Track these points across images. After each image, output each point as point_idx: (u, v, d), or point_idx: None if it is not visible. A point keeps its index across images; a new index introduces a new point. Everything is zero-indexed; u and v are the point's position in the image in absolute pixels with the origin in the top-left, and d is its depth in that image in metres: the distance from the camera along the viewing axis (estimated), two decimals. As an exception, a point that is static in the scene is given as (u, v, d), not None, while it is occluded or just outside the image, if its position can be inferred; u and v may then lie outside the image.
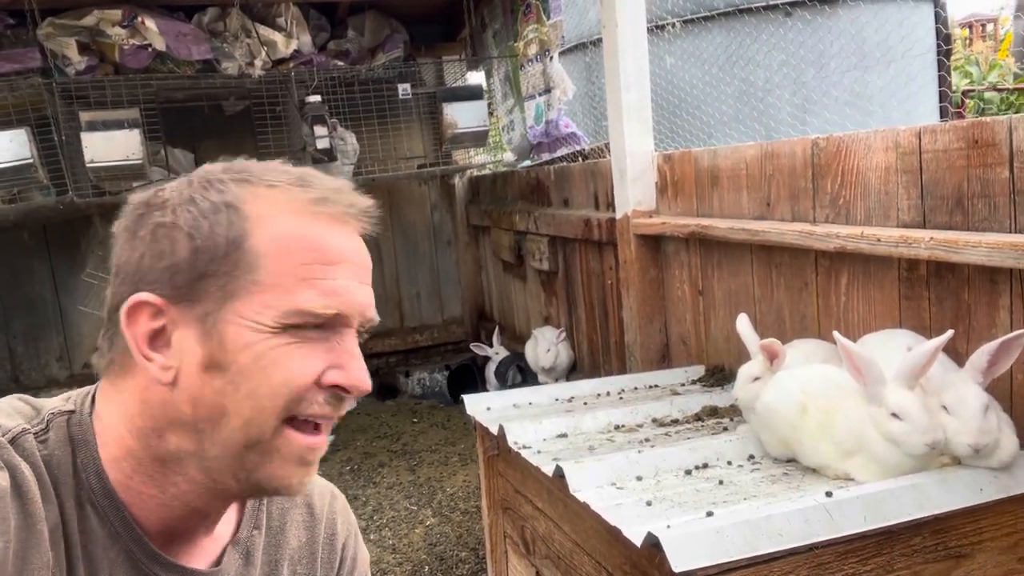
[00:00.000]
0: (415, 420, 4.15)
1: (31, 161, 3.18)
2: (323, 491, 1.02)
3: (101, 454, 0.77)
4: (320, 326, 0.77)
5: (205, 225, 0.75)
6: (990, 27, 10.18)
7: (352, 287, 0.78)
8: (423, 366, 4.83)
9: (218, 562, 0.86)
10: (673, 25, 3.51)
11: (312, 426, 0.78)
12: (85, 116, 3.26)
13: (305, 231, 0.77)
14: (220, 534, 0.88)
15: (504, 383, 3.99)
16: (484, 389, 4.33)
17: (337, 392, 0.78)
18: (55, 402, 0.80)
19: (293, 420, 0.77)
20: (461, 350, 5.04)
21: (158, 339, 0.75)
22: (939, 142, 1.61)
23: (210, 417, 0.75)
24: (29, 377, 4.45)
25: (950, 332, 1.38)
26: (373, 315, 0.82)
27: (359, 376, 0.78)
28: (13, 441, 0.73)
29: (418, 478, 3.36)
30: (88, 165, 3.26)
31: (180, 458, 0.77)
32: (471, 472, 3.32)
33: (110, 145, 3.29)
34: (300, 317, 0.75)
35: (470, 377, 4.55)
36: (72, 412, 0.79)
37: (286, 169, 0.82)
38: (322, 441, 0.80)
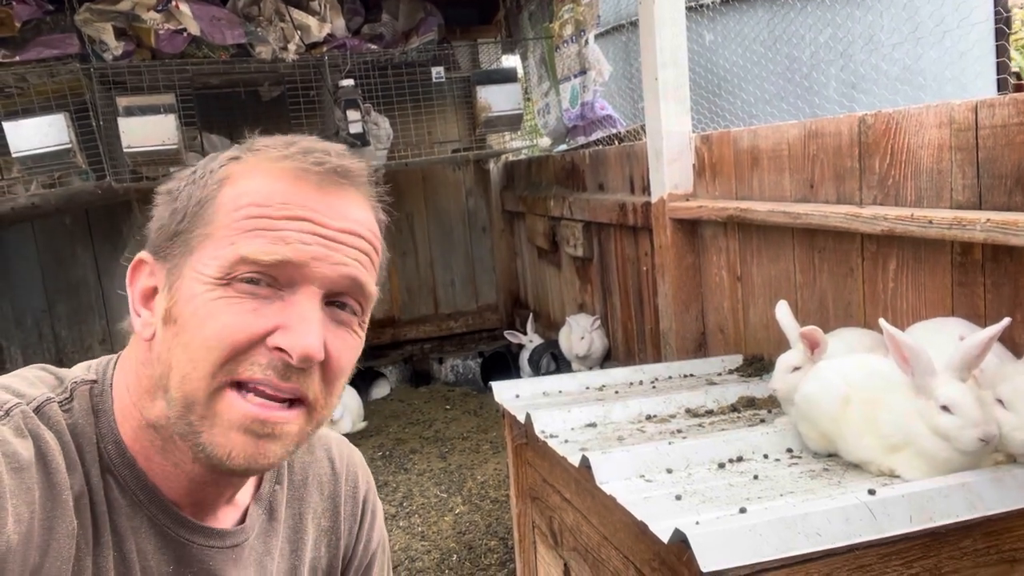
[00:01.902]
0: (448, 407, 4.12)
1: (70, 146, 3.22)
2: (340, 445, 1.02)
3: (119, 423, 0.77)
4: (272, 283, 0.72)
5: (188, 190, 0.77)
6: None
7: (310, 241, 0.73)
8: (457, 353, 4.81)
9: (242, 520, 0.85)
10: (712, 2, 3.38)
11: (262, 395, 0.72)
12: (122, 101, 3.29)
13: (262, 185, 0.75)
14: (243, 495, 0.87)
15: (538, 371, 3.94)
16: (517, 376, 4.29)
17: (282, 357, 0.71)
18: (77, 371, 0.81)
19: (242, 386, 0.72)
20: (495, 337, 5.00)
21: (151, 297, 0.77)
22: (997, 117, 1.49)
23: (163, 374, 0.73)
24: (73, 360, 4.44)
25: (1007, 320, 1.28)
26: (349, 273, 0.74)
27: (303, 341, 0.70)
28: (38, 410, 0.72)
29: (449, 465, 3.33)
30: (126, 150, 3.29)
31: (163, 424, 0.75)
32: (502, 460, 3.28)
33: (147, 130, 3.31)
34: (244, 266, 0.71)
35: (504, 364, 4.52)
36: (94, 382, 0.79)
37: (290, 139, 0.80)
38: (271, 414, 0.72)
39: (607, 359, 3.53)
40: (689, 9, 2.61)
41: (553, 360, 3.93)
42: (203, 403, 0.71)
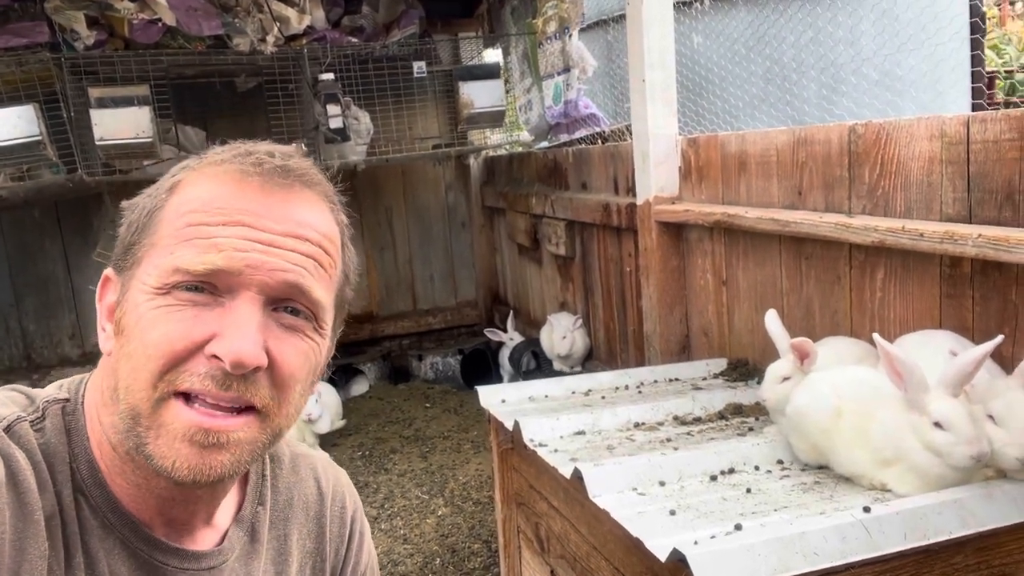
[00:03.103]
0: (428, 405, 4.10)
1: (40, 138, 3.12)
2: (326, 466, 1.00)
3: (91, 442, 0.76)
4: (212, 290, 0.71)
5: (142, 202, 0.77)
6: (1019, 6, 9.88)
7: (245, 247, 0.71)
8: (436, 350, 4.78)
9: (220, 543, 0.84)
10: (701, 2, 3.37)
11: (208, 405, 0.70)
12: (95, 92, 3.19)
13: (203, 191, 0.74)
14: (223, 518, 0.85)
15: (518, 369, 3.92)
16: (498, 374, 4.27)
17: (219, 364, 0.69)
18: (49, 391, 0.79)
19: (189, 396, 0.70)
20: (475, 333, 4.97)
21: (114, 312, 0.76)
22: (989, 132, 1.50)
23: (114, 386, 0.72)
24: (41, 356, 4.44)
25: (1000, 337, 1.29)
26: (287, 279, 0.72)
27: (234, 346, 0.69)
28: (8, 429, 0.72)
29: (430, 465, 3.31)
30: (98, 143, 3.19)
31: (118, 440, 0.74)
32: (484, 460, 3.27)
33: (120, 122, 3.22)
34: (178, 275, 0.70)
35: (483, 362, 4.49)
36: (66, 400, 0.78)
37: (242, 144, 0.79)
38: (215, 422, 0.70)
39: (588, 359, 3.52)
40: (675, 8, 2.59)
41: (534, 358, 3.92)
42: (148, 413, 0.70)
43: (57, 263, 4.39)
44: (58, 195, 4.03)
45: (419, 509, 2.92)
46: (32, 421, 0.74)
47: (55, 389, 0.79)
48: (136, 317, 0.71)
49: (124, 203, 0.79)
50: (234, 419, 0.71)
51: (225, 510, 0.85)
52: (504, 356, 4.12)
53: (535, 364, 3.87)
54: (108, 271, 0.78)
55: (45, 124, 3.17)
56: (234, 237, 0.71)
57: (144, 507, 0.77)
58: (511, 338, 4.09)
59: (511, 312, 4.35)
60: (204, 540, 0.82)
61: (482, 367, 4.43)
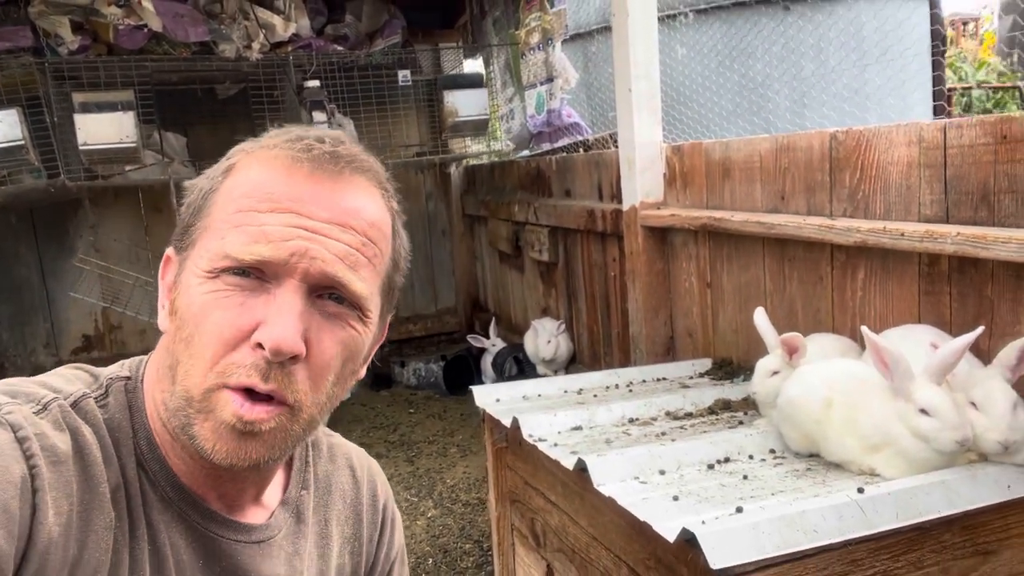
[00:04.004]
0: (411, 411, 4.12)
1: (22, 142, 3.10)
2: (359, 455, 1.03)
3: (149, 418, 0.78)
4: (260, 276, 0.72)
5: (201, 182, 0.79)
6: (971, 26, 10.30)
7: (293, 233, 0.72)
8: (418, 356, 4.80)
9: (270, 519, 0.86)
10: (685, 15, 3.48)
11: (249, 394, 0.72)
12: (78, 97, 3.18)
13: (255, 176, 0.75)
14: (271, 498, 0.88)
15: (501, 375, 3.97)
16: (480, 380, 4.31)
17: (263, 354, 0.71)
18: (112, 369, 0.82)
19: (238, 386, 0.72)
20: (455, 340, 5.01)
21: (172, 291, 0.78)
22: (965, 137, 1.60)
23: (171, 366, 0.74)
24: (15, 364, 4.36)
25: (980, 328, 1.37)
26: (326, 271, 0.73)
27: (275, 333, 0.70)
28: (75, 405, 0.74)
29: (417, 469, 3.33)
30: (81, 147, 3.19)
31: (168, 418, 0.76)
32: (471, 463, 3.30)
33: (104, 127, 3.22)
34: (227, 261, 0.72)
35: (466, 368, 4.53)
36: (128, 378, 0.80)
37: (297, 129, 0.81)
38: (252, 412, 0.71)
39: (572, 362, 3.58)
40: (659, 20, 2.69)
41: (516, 364, 3.96)
42: (200, 398, 0.72)
43: (32, 269, 4.33)
44: (35, 201, 3.99)
45: (409, 511, 2.94)
46: (96, 398, 0.76)
47: (117, 368, 0.82)
48: (188, 301, 0.73)
49: (186, 183, 0.81)
50: (268, 409, 0.73)
51: (273, 492, 0.88)
52: (487, 362, 4.16)
53: (517, 370, 3.92)
54: (169, 250, 0.80)
55: (28, 129, 3.15)
56: (281, 225, 0.72)
57: (198, 482, 0.79)
58: (493, 344, 4.14)
59: (493, 319, 4.39)
60: (255, 517, 0.85)
61: (464, 373, 4.47)
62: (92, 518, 0.70)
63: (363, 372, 0.86)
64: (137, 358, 0.83)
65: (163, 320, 0.78)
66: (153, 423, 0.78)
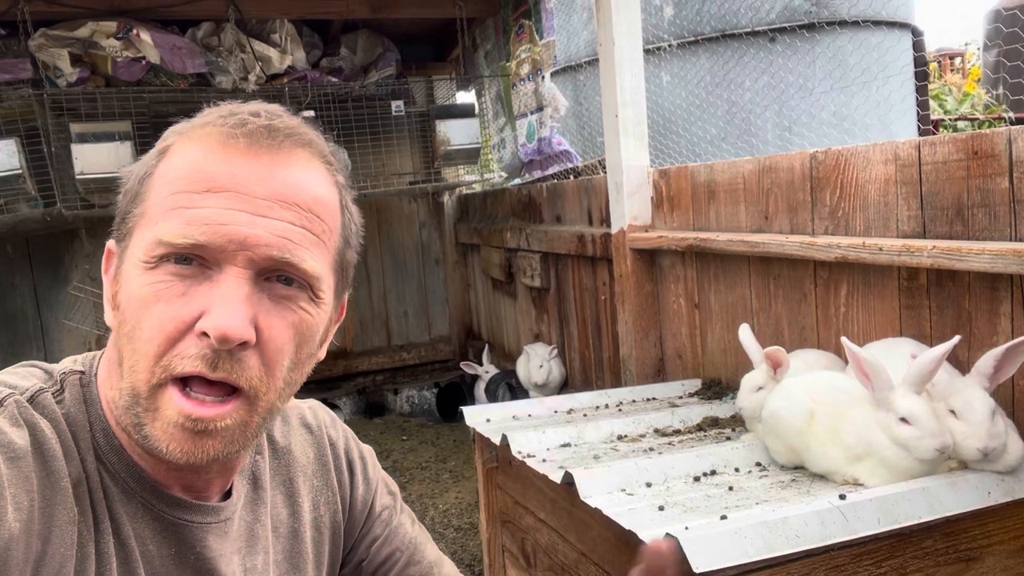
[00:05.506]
0: (404, 438, 4.11)
1: (20, 172, 3.15)
2: (312, 407, 1.01)
3: (105, 412, 0.76)
4: (200, 262, 0.69)
5: (136, 168, 0.75)
6: (957, 61, 10.54)
7: (231, 217, 0.68)
8: (411, 384, 4.80)
9: (228, 496, 0.84)
10: (669, 45, 3.57)
11: (200, 392, 0.69)
12: (76, 128, 3.24)
13: (189, 157, 0.71)
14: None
15: (494, 400, 3.97)
16: (473, 407, 4.30)
17: (208, 342, 0.67)
18: (65, 364, 0.79)
19: (185, 381, 0.69)
20: (448, 368, 5.01)
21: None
22: (939, 154, 1.65)
23: (118, 361, 0.72)
24: (7, 394, 4.35)
25: (957, 338, 1.40)
26: (271, 254, 0.69)
27: (220, 322, 0.67)
28: (32, 400, 0.72)
29: (410, 495, 3.32)
30: (78, 177, 3.23)
31: (120, 415, 0.74)
32: (463, 489, 3.29)
33: (100, 157, 3.27)
34: (163, 248, 0.68)
35: (459, 395, 4.53)
36: (82, 372, 0.78)
37: (232, 105, 0.77)
38: (204, 411, 0.69)
39: (564, 387, 3.59)
40: (645, 52, 2.76)
41: (509, 390, 3.97)
42: (146, 396, 0.70)
43: (27, 300, 4.35)
44: (31, 231, 4.02)
45: (400, 537, 2.92)
46: (53, 392, 0.75)
47: (70, 362, 0.79)
48: (128, 294, 0.71)
49: (123, 169, 0.77)
50: (222, 407, 0.70)
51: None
52: (480, 389, 4.16)
53: (510, 395, 3.93)
54: (110, 243, 0.76)
55: (25, 158, 3.20)
56: (218, 208, 0.69)
57: (160, 469, 0.77)
58: (486, 371, 4.15)
59: (486, 345, 4.41)
60: (223, 497, 0.84)
61: (457, 400, 4.47)
62: (55, 513, 0.68)
63: (323, 354, 0.82)
64: (91, 353, 0.81)
65: (108, 316, 0.75)
66: (109, 417, 0.76)
